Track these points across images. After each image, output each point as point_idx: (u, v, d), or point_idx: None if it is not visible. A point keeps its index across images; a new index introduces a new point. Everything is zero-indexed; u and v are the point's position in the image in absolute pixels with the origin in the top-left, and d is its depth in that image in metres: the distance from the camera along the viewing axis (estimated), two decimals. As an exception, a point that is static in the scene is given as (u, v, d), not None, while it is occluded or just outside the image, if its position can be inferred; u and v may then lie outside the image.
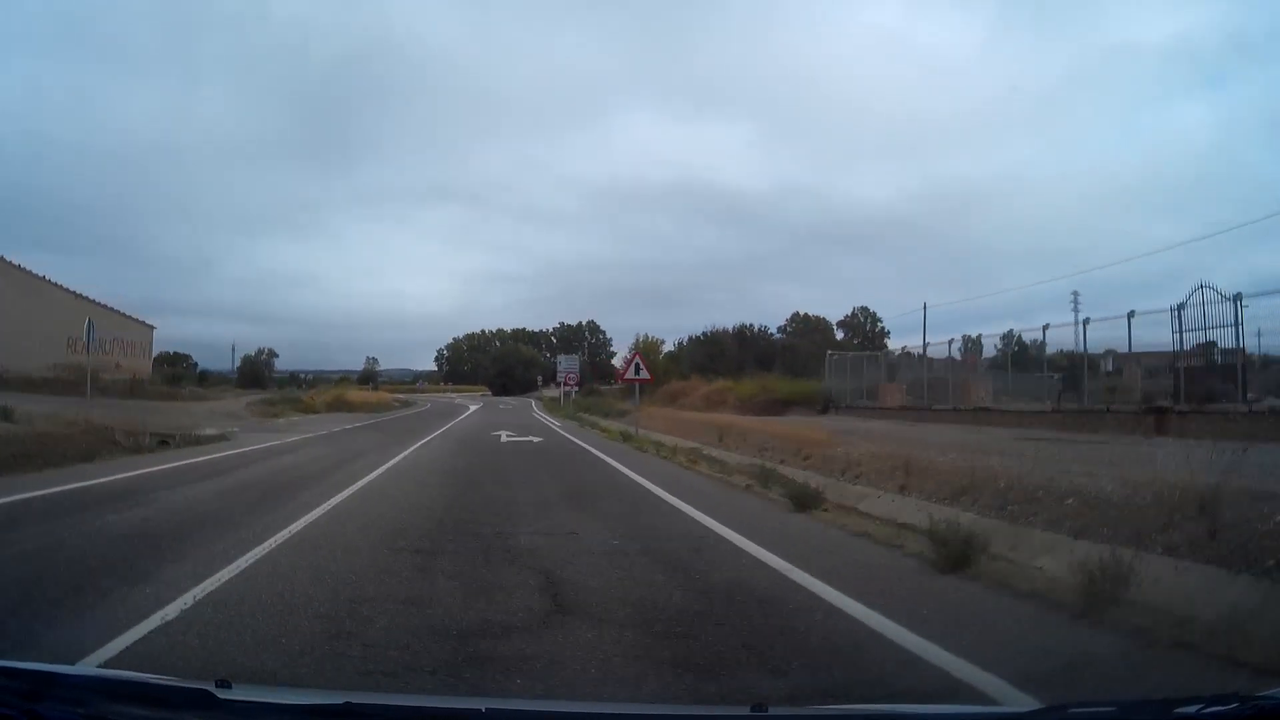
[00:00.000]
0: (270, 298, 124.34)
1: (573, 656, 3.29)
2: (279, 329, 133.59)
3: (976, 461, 8.73)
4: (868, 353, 28.94)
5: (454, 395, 79.26)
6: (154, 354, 40.40)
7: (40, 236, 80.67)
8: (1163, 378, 20.46)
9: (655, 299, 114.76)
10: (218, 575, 4.57)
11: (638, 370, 21.86)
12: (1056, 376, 23.27)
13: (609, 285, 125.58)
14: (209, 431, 18.54)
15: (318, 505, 7.24)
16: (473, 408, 43.13)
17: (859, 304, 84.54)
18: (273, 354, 78.58)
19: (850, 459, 12.39)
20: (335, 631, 3.57)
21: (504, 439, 17.82)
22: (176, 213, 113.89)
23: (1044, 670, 3.19)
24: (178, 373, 74.58)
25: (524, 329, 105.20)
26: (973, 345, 30.05)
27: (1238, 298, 15.88)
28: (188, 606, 3.93)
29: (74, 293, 33.36)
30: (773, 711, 1.90)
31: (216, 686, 1.69)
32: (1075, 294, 36.89)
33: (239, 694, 1.74)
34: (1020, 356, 24.08)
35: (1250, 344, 16.66)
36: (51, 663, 2.40)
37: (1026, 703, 2.68)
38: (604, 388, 60.86)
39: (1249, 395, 15.85)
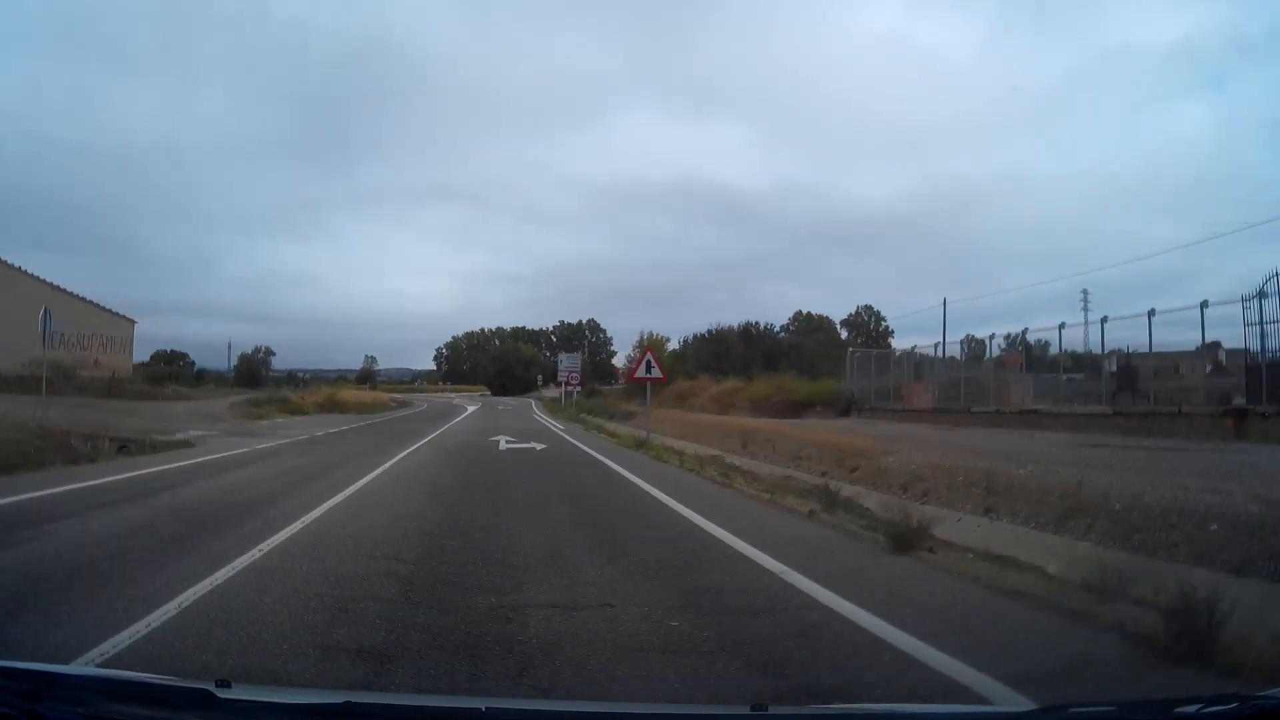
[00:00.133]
0: (269, 297, 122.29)
1: None
2: (278, 328, 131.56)
3: (1063, 474, 7.53)
4: (893, 351, 26.83)
5: (452, 395, 77.14)
6: (137, 350, 38.23)
7: (40, 236, 79.28)
8: (1221, 377, 18.58)
9: (655, 299, 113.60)
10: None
11: (649, 368, 19.71)
12: (1066, 377, 22.40)
13: (609, 285, 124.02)
14: (175, 437, 16.51)
15: (241, 554, 5.11)
16: (470, 409, 41.00)
17: (859, 304, 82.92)
18: (269, 352, 76.50)
19: (910, 471, 10.41)
20: None
21: (503, 446, 15.71)
22: (176, 212, 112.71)
23: None
24: (175, 371, 72.70)
25: (524, 328, 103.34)
26: (977, 345, 28.76)
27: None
28: None
29: (49, 283, 31.20)
30: (773, 711, 1.89)
31: (216, 686, 1.67)
32: (1085, 292, 35.15)
33: (239, 693, 1.72)
34: (1027, 356, 23.36)
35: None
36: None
37: (1026, 703, 2.55)
38: (605, 388, 59.00)
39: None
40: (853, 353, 28.43)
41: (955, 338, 26.78)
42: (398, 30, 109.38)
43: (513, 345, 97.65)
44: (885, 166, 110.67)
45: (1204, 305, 16.78)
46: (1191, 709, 1.54)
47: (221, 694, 1.63)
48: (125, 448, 14.24)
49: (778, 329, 64.77)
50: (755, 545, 5.73)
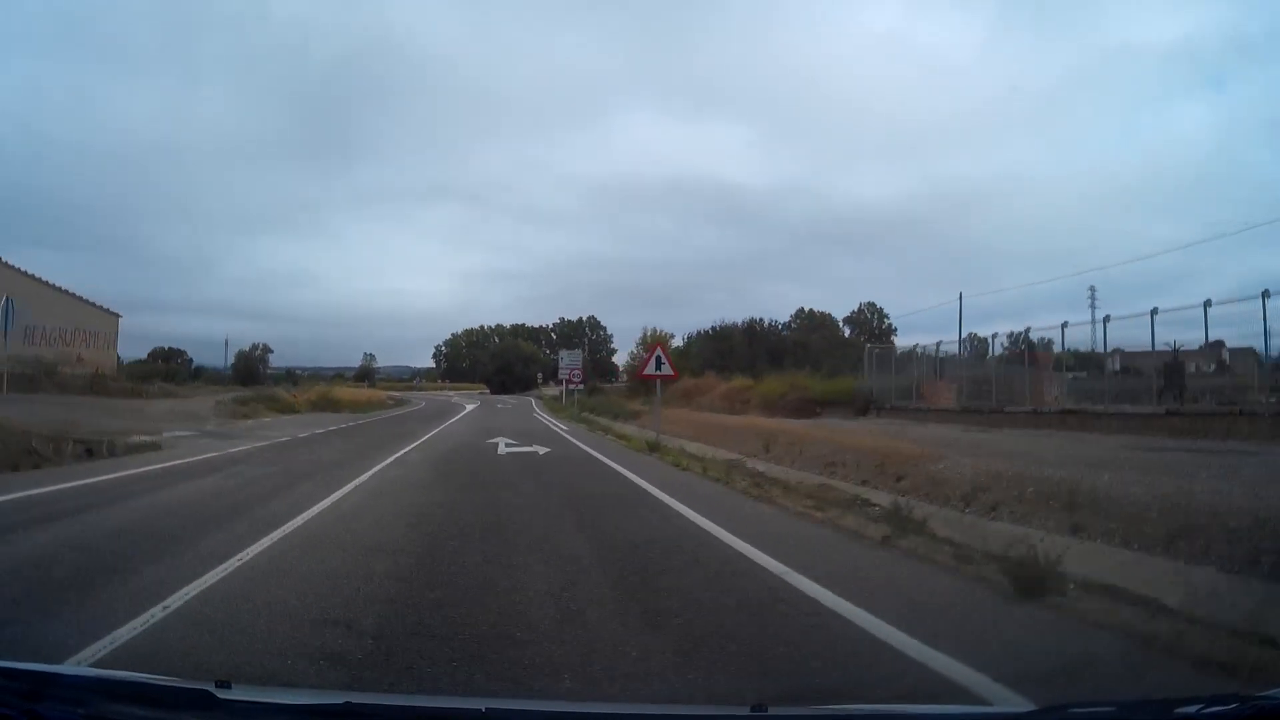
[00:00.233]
0: (269, 296, 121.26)
1: None
2: (277, 326, 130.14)
3: (1151, 483, 6.64)
4: (915, 348, 25.28)
5: (451, 393, 75.51)
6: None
7: (40, 235, 77.84)
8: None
9: (656, 298, 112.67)
10: None
11: (659, 364, 18.09)
12: (1071, 375, 21.95)
13: (609, 284, 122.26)
14: (144, 439, 14.95)
15: (132, 618, 3.52)
16: (469, 407, 39.38)
17: (859, 303, 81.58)
18: (267, 350, 74.85)
19: (967, 481, 8.90)
20: None
21: (502, 450, 14.10)
22: (176, 211, 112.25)
23: None
24: (171, 368, 71.15)
25: (523, 325, 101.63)
26: (980, 344, 28.07)
27: None
28: None
29: (27, 274, 29.56)
30: (773, 711, 1.84)
31: (216, 686, 1.65)
32: (1092, 289, 34.12)
33: (239, 694, 1.70)
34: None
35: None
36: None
37: (1026, 703, 2.49)
38: (605, 386, 57.52)
39: None
40: (871, 349, 26.82)
41: (950, 336, 25.80)
42: (397, 30, 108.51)
43: (512, 343, 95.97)
44: (885, 166, 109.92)
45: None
46: (1192, 709, 1.51)
47: (221, 694, 1.61)
48: (91, 451, 12.89)
49: (781, 326, 63.41)
50: (841, 593, 4.18)
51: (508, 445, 14.85)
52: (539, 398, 57.87)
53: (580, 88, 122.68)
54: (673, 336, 46.58)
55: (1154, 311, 17.17)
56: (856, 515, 7.49)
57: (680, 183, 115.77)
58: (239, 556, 4.94)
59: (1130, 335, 19.13)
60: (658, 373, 18.16)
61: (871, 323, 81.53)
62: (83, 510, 6.83)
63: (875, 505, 8.21)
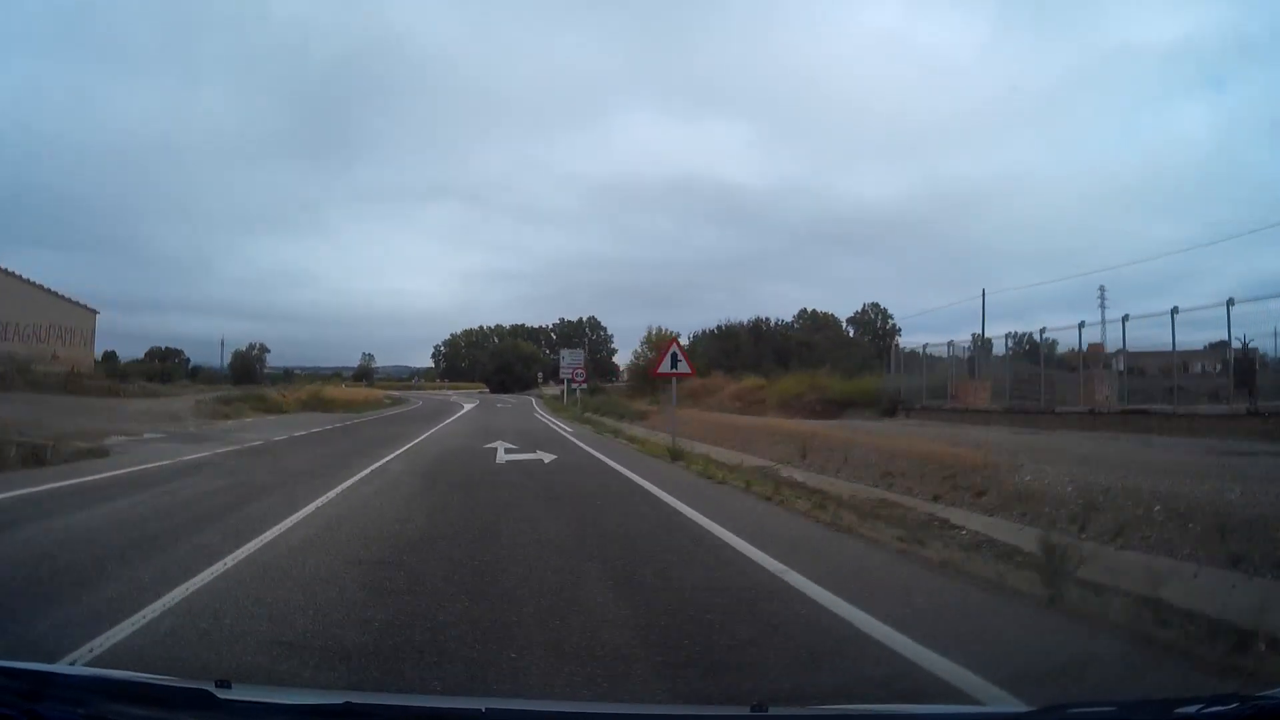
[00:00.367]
0: (268, 295, 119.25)
1: None
2: (276, 326, 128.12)
3: None
4: (950, 344, 23.37)
5: (450, 392, 73.53)
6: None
7: (39, 234, 76.01)
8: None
9: (656, 298, 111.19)
10: None
11: (675, 362, 16.14)
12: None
13: (609, 283, 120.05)
14: (100, 443, 13.07)
15: None
16: (467, 407, 37.38)
17: (862, 303, 79.91)
18: (264, 349, 73.18)
19: (1068, 498, 7.23)
20: None
21: (501, 457, 12.11)
22: (176, 211, 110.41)
23: None
24: (168, 368, 69.33)
25: (523, 325, 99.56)
26: (982, 344, 26.41)
27: None
28: None
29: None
30: (773, 711, 1.81)
31: (216, 686, 1.61)
32: (1101, 288, 32.98)
33: (239, 694, 1.66)
34: (1032, 355, 22.08)
35: None
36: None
37: (1026, 703, 2.38)
38: (606, 385, 55.64)
39: None
40: (899, 347, 24.87)
41: (957, 337, 24.96)
42: (398, 29, 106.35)
43: (512, 342, 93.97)
44: (886, 166, 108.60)
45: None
46: (1192, 709, 1.48)
47: (221, 694, 1.59)
48: (38, 454, 11.05)
49: (787, 325, 61.51)
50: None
51: (508, 451, 12.88)
52: (539, 397, 55.91)
53: (580, 87, 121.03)
54: (677, 335, 44.58)
55: (1174, 310, 16.04)
56: (984, 557, 5.56)
57: (680, 182, 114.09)
58: (89, 646, 3.02)
59: (1134, 335, 18.53)
60: (673, 370, 16.21)
61: (875, 323, 79.90)
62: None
63: (962, 529, 6.84)
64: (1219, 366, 19.02)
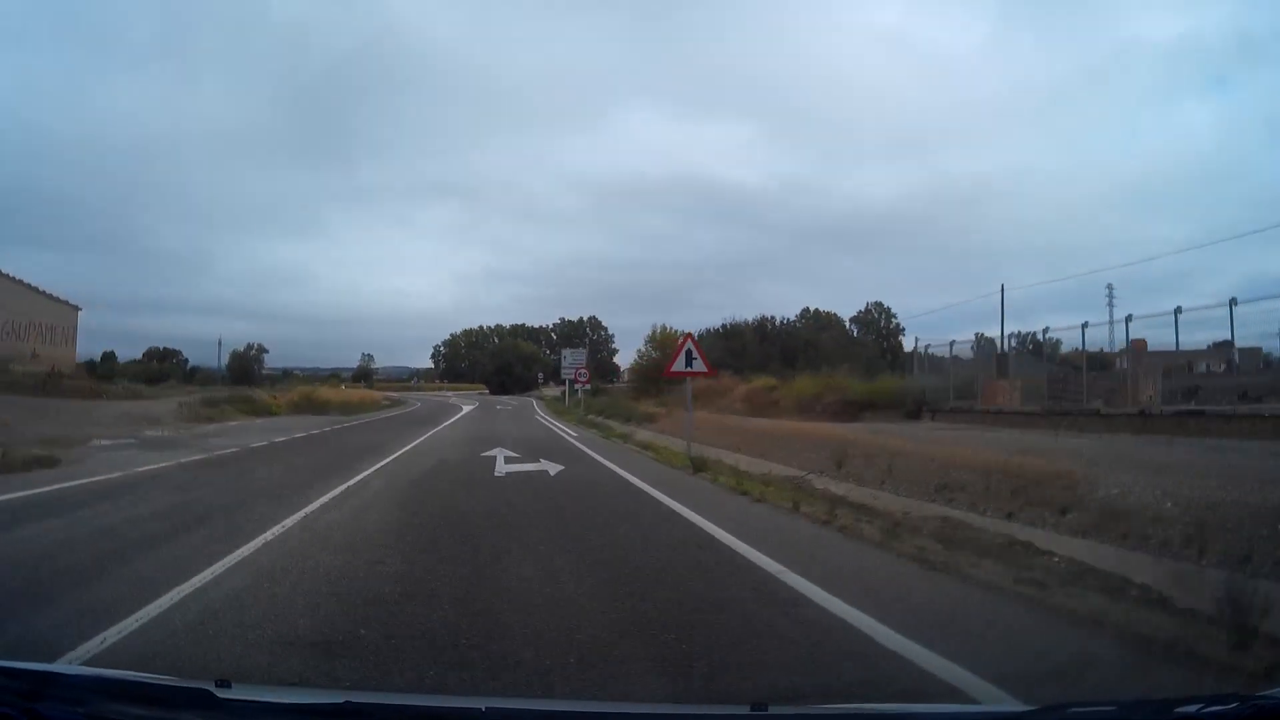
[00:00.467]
0: (268, 295, 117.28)
1: None
2: (276, 327, 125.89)
3: None
4: (980, 339, 21.86)
5: (449, 393, 71.98)
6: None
7: (35, 233, 74.74)
8: None
9: (657, 298, 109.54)
10: None
11: (690, 360, 14.62)
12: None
13: (610, 283, 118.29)
14: (54, 451, 11.57)
15: None
16: (466, 409, 35.89)
17: (865, 303, 78.43)
18: (262, 350, 71.52)
19: (1175, 515, 5.89)
20: None
21: (500, 469, 10.58)
22: (174, 209, 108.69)
23: None
24: (166, 368, 67.87)
25: (523, 325, 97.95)
26: (987, 344, 25.08)
27: None
28: None
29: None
30: (773, 711, 1.79)
31: (216, 686, 1.59)
32: (1109, 286, 32.09)
33: (239, 693, 1.64)
34: (1036, 355, 21.67)
35: None
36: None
37: (1027, 702, 2.34)
38: (607, 386, 54.11)
39: None
40: (924, 346, 23.34)
41: (959, 336, 24.02)
42: (398, 27, 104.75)
43: (512, 343, 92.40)
44: (887, 165, 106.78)
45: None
46: (1191, 709, 1.46)
47: (221, 694, 1.56)
48: None
49: (792, 323, 60.04)
50: None
51: (508, 461, 11.35)
52: (540, 398, 54.42)
53: (581, 86, 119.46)
54: (691, 334, 43.06)
55: (1178, 310, 16.19)
56: (1101, 594, 4.13)
57: (681, 181, 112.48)
58: None
59: (1141, 335, 18.46)
60: (688, 370, 14.70)
61: (879, 322, 78.49)
62: None
63: (1052, 555, 5.71)
64: (1224, 366, 18.37)
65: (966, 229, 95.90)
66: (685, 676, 2.90)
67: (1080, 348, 19.87)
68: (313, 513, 6.44)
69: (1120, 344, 19.72)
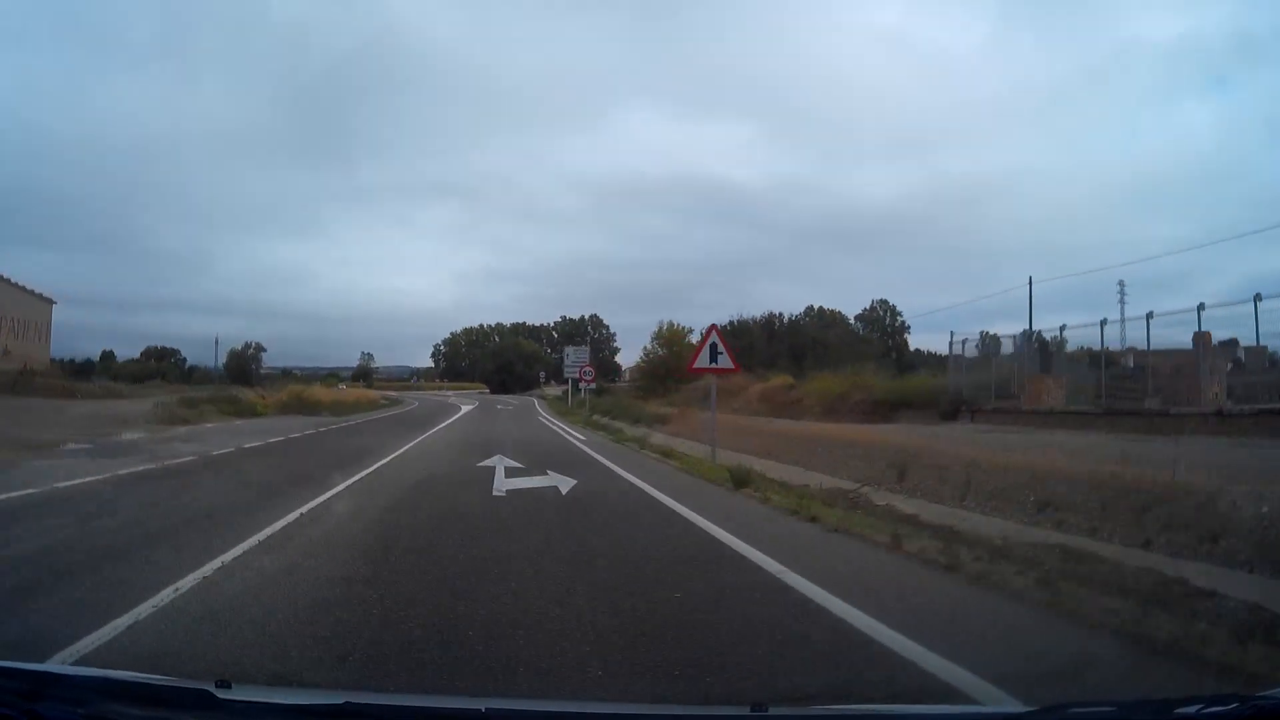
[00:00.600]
0: (267, 294, 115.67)
1: None
2: (276, 326, 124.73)
3: None
4: (1030, 332, 19.94)
5: (449, 393, 70.03)
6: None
7: (37, 233, 72.70)
8: None
9: (657, 298, 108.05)
10: None
11: (715, 355, 12.71)
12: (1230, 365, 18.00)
13: (611, 282, 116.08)
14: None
15: None
16: (465, 409, 33.95)
17: (870, 300, 76.68)
18: (260, 348, 69.50)
19: None
20: None
21: (501, 482, 8.58)
22: (174, 209, 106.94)
23: None
24: (163, 367, 66.05)
25: (524, 323, 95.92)
26: (992, 342, 23.85)
27: None
28: None
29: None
30: (773, 711, 1.76)
31: (216, 686, 1.58)
32: (1121, 284, 31.05)
33: (239, 694, 1.62)
34: (1043, 353, 20.58)
35: None
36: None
37: (1026, 702, 2.26)
38: (610, 385, 52.28)
39: None
40: (956, 338, 21.36)
41: (963, 335, 22.41)
42: (398, 26, 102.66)
43: (513, 341, 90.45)
44: (887, 164, 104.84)
45: (1200, 308, 15.03)
46: (1191, 709, 1.43)
47: (221, 694, 1.53)
48: None
49: (799, 320, 58.11)
50: None
51: (509, 474, 9.36)
52: (541, 398, 52.50)
53: (582, 85, 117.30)
54: (690, 331, 41.08)
55: (1200, 307, 15.35)
56: None
57: (681, 181, 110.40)
58: None
59: (1138, 335, 17.77)
60: (712, 365, 12.79)
61: (884, 320, 76.69)
62: None
63: (1226, 598, 4.32)
64: (1230, 365, 17.39)
65: (966, 229, 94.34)
66: None
67: (1100, 345, 18.75)
68: (228, 565, 4.46)
69: (1131, 342, 19.18)
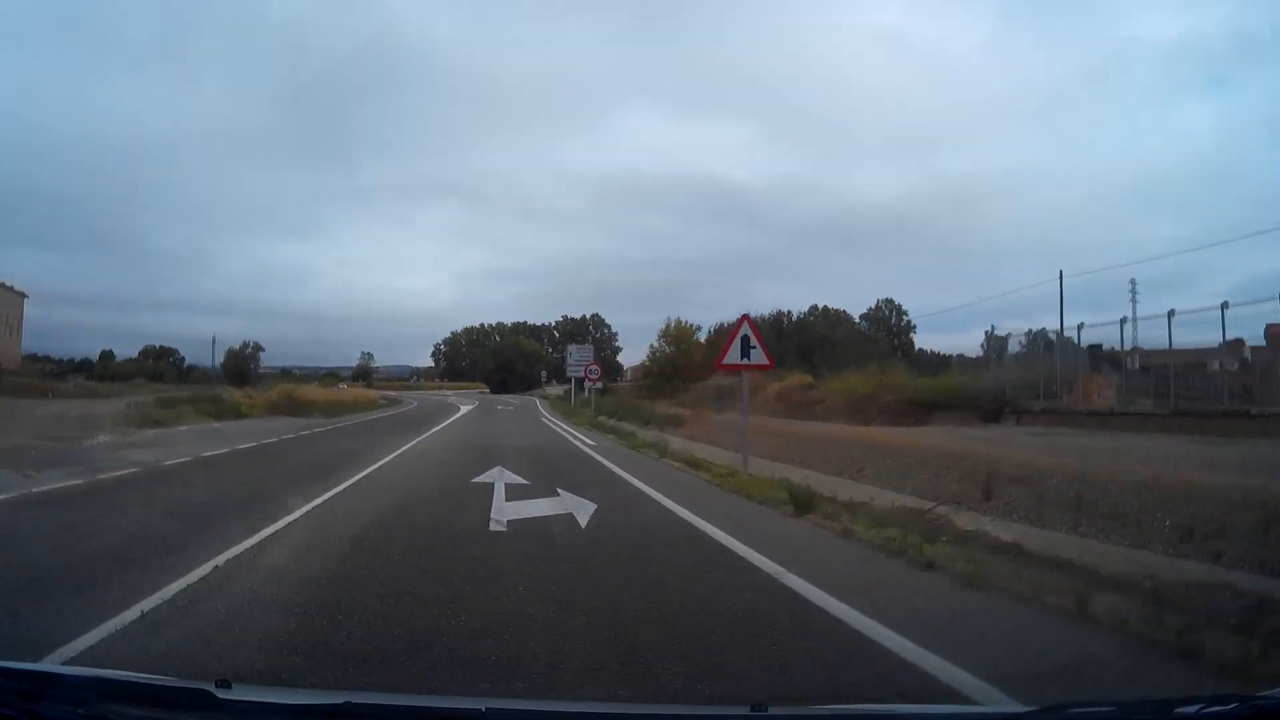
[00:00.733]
0: (267, 294, 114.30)
1: None
2: (275, 325, 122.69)
3: None
4: (1080, 326, 18.16)
5: (449, 392, 68.25)
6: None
7: (37, 233, 71.00)
8: None
9: (657, 297, 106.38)
10: None
11: (747, 349, 10.86)
12: None
13: (612, 281, 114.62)
14: None
15: None
16: (464, 409, 32.12)
17: (876, 300, 75.14)
18: (258, 348, 67.68)
19: None
20: None
21: (500, 509, 6.70)
22: (174, 209, 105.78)
23: None
24: (161, 367, 64.28)
25: (525, 322, 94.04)
26: (997, 342, 22.77)
27: None
28: None
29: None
30: (772, 711, 1.73)
31: (216, 686, 1.54)
32: (1133, 282, 29.99)
33: (239, 694, 1.59)
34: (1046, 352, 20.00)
35: None
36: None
37: (1027, 703, 2.18)
38: (612, 384, 50.50)
39: None
40: (999, 336, 19.50)
41: (966, 334, 20.90)
42: (398, 26, 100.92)
43: (514, 341, 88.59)
44: (889, 164, 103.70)
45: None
46: (1191, 709, 1.42)
47: (221, 694, 1.51)
48: None
49: (806, 318, 56.36)
50: None
51: (511, 495, 7.50)
52: (543, 397, 50.66)
53: (582, 85, 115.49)
54: (698, 329, 39.22)
55: (1224, 305, 15.33)
56: None
57: (681, 181, 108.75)
58: None
59: (1146, 335, 17.95)
60: (744, 362, 10.94)
61: (890, 319, 75.09)
62: None
63: None
64: (1236, 364, 17.47)
65: (966, 229, 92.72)
66: None
67: (1120, 344, 18.11)
68: (111, 637, 2.66)
69: (1140, 341, 18.85)
